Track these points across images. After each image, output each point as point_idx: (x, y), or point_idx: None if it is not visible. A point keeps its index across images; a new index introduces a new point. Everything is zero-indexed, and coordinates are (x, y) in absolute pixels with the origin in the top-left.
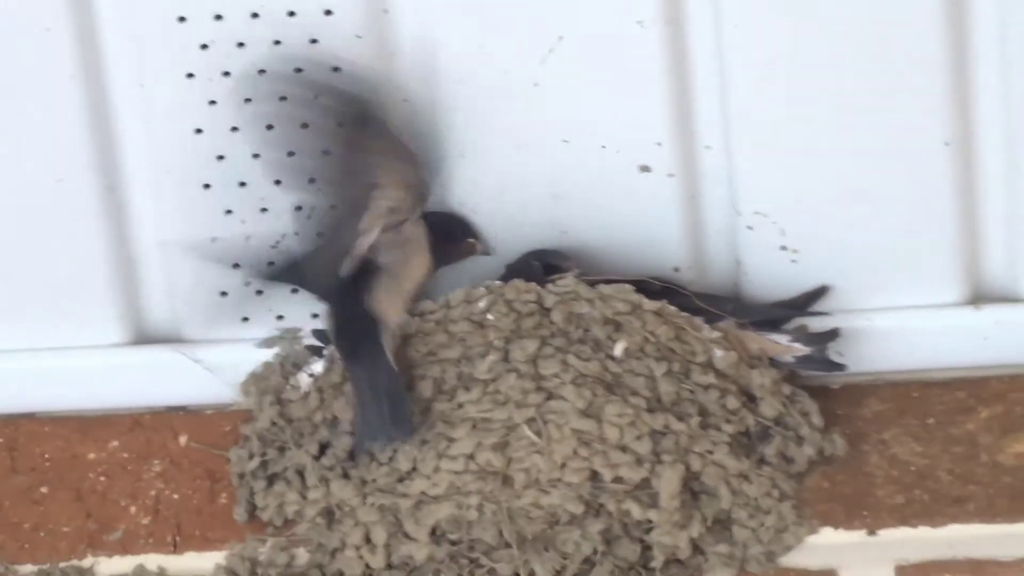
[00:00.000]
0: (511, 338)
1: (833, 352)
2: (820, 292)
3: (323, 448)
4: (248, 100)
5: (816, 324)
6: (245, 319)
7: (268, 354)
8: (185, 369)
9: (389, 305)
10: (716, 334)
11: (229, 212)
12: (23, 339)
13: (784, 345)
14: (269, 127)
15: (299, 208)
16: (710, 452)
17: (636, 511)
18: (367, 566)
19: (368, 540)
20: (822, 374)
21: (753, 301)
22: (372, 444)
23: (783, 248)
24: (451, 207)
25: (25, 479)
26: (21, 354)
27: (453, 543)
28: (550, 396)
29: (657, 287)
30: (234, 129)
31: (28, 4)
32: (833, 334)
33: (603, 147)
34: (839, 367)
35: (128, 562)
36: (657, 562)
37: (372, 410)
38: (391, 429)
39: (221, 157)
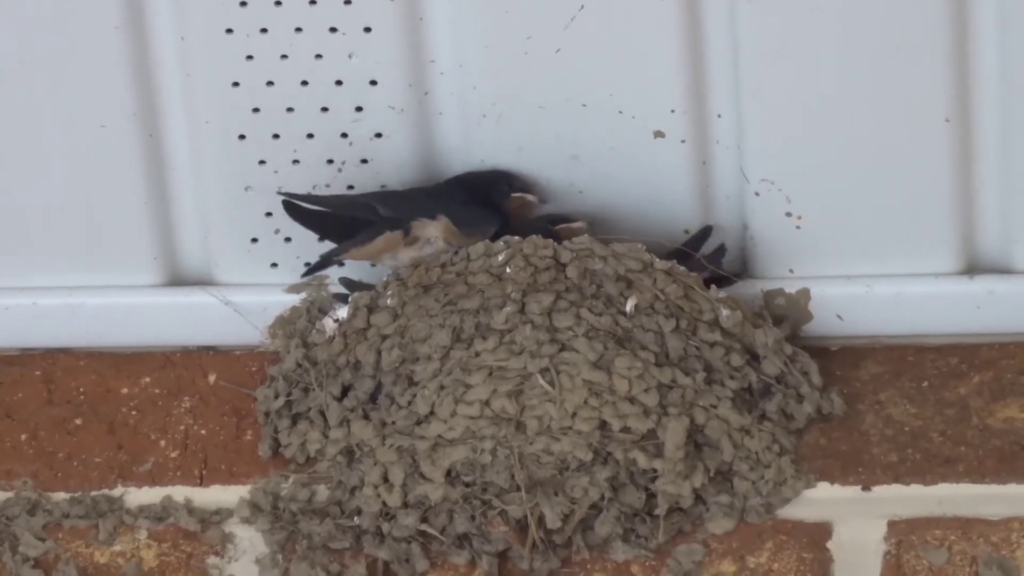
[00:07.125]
0: (528, 291)
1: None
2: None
3: (345, 390)
4: None
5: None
6: (274, 265)
7: (296, 299)
8: (216, 311)
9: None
10: (723, 294)
11: (262, 162)
12: (62, 277)
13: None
14: None
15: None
16: (714, 406)
17: (642, 460)
18: (384, 504)
19: (386, 479)
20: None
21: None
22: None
23: (788, 215)
24: (473, 166)
25: (60, 411)
26: (60, 291)
27: (467, 485)
28: (563, 348)
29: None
30: (269, 84)
31: None
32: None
33: (620, 112)
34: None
35: (156, 493)
36: (661, 510)
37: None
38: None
39: (256, 110)
